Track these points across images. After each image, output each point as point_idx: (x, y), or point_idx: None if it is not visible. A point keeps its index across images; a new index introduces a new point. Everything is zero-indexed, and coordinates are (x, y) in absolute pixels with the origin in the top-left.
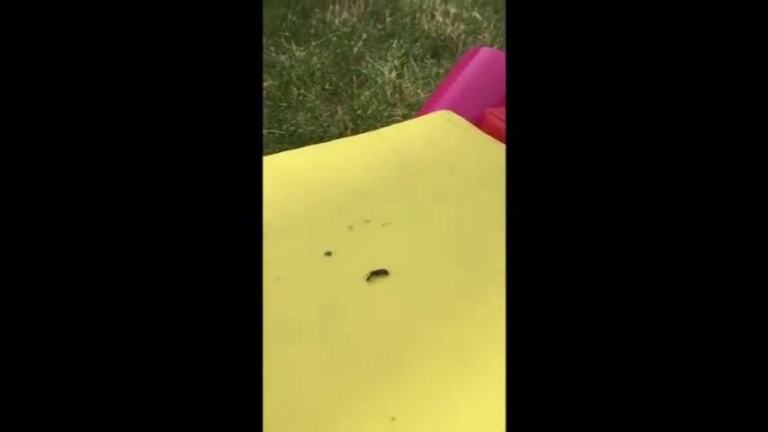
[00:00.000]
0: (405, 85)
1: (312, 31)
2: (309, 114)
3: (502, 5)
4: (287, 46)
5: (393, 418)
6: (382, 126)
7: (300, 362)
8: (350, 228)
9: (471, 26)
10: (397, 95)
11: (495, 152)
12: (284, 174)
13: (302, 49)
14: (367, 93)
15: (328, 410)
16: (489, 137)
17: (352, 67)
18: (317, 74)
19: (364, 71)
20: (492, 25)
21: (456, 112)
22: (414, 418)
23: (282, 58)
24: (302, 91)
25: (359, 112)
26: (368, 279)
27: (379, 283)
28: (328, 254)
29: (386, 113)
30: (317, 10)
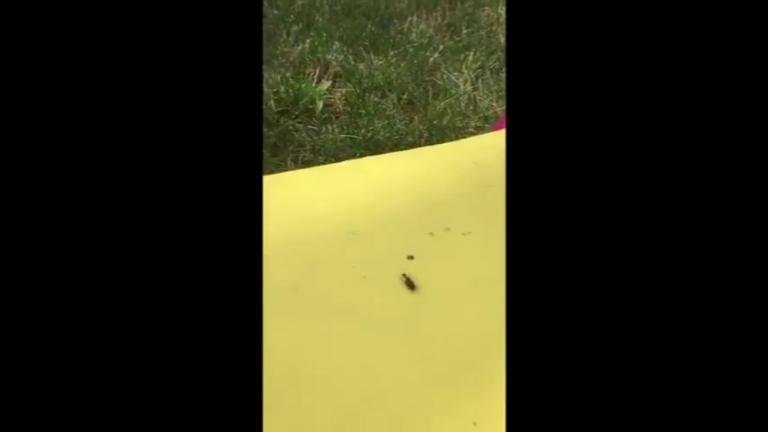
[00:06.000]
0: (479, 98)
1: (390, 41)
2: (386, 122)
3: None
4: (365, 55)
5: (475, 423)
6: (456, 136)
7: (383, 359)
8: (431, 234)
9: None
10: (471, 107)
11: None
12: (369, 178)
13: (380, 58)
14: (442, 103)
15: (411, 409)
16: None
17: (427, 78)
18: (395, 83)
19: (440, 82)
20: None
21: None
22: (495, 424)
23: (361, 66)
24: (380, 99)
25: (434, 122)
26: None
27: (460, 288)
28: (410, 257)
29: (460, 124)
30: (395, 21)
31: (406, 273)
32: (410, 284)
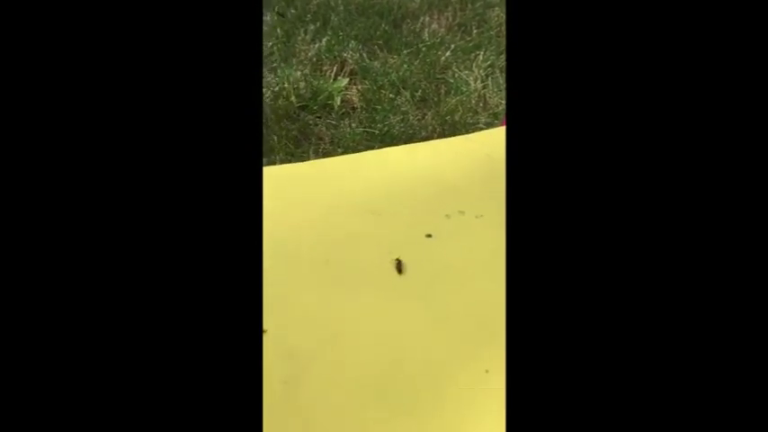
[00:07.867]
0: (489, 95)
1: (404, 40)
2: (401, 117)
3: None
4: (380, 53)
5: (487, 371)
6: (467, 132)
7: (410, 319)
8: (447, 216)
9: None
10: (481, 104)
11: None
12: (389, 166)
13: (394, 56)
14: (453, 100)
15: (431, 363)
16: None
17: (439, 76)
18: (408, 81)
19: (451, 80)
20: None
21: None
22: (503, 370)
23: (376, 64)
24: (394, 96)
25: (446, 118)
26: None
27: (473, 262)
28: (429, 236)
29: (470, 121)
30: (408, 20)
31: (400, 258)
32: (399, 268)
